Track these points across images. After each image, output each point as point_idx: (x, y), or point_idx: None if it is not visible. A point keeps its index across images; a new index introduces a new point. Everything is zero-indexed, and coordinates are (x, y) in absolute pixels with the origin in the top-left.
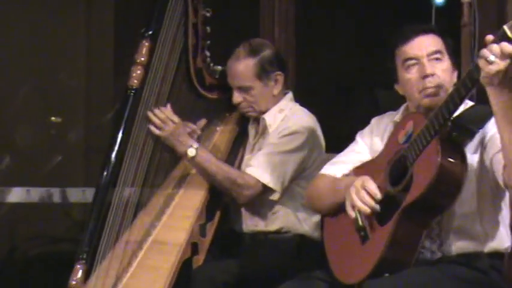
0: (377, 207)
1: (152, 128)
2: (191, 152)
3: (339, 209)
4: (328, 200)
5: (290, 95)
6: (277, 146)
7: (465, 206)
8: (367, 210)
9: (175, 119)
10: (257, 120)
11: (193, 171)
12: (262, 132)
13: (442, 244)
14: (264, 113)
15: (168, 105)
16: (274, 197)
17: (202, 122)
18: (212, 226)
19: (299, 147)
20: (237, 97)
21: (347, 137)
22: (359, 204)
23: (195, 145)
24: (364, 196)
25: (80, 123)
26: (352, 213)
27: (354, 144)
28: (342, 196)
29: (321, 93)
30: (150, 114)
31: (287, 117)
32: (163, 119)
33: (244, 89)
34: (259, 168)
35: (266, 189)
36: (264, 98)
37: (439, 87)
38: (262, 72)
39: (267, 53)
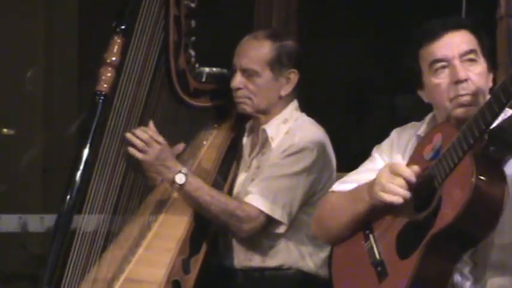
0: (408, 194)
1: (134, 151)
2: (180, 178)
3: (352, 235)
4: (345, 215)
5: (295, 103)
6: (282, 167)
7: (505, 236)
8: (406, 194)
9: (161, 139)
10: (254, 131)
11: (175, 194)
12: (262, 146)
13: (477, 282)
14: (260, 112)
15: (151, 124)
16: (280, 230)
17: (180, 146)
18: (197, 261)
19: (308, 167)
20: (237, 81)
21: (361, 154)
22: (392, 187)
23: (184, 170)
24: (398, 183)
25: (37, 137)
26: (388, 198)
27: (369, 161)
28: (365, 202)
29: (328, 101)
30: (130, 135)
31: (292, 130)
32: (147, 140)
33: (249, 74)
34: (261, 196)
35: (270, 221)
36: (268, 93)
37: (474, 95)
38: (277, 63)
39: (289, 43)
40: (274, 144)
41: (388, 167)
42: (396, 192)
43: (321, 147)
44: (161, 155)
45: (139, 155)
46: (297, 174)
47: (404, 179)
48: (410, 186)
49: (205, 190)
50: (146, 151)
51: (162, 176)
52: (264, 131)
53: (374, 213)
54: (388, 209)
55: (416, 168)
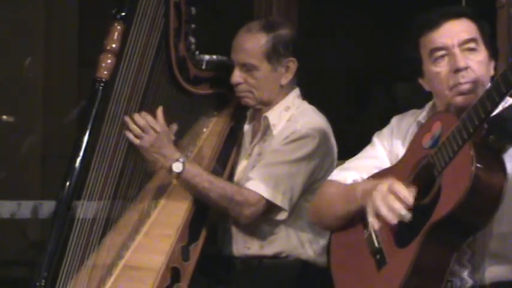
0: (408, 215)
1: (130, 136)
2: (177, 167)
3: (351, 223)
4: (339, 208)
5: (297, 91)
6: (284, 153)
7: (503, 225)
8: (394, 219)
9: (158, 127)
10: (255, 118)
11: (175, 181)
12: (264, 133)
13: (475, 270)
14: (263, 103)
15: (159, 110)
16: (281, 216)
17: (173, 127)
18: (196, 248)
19: (309, 154)
20: (237, 76)
21: (361, 141)
22: (385, 211)
23: (182, 158)
24: (393, 202)
25: (37, 123)
26: (375, 224)
27: (369, 148)
28: (357, 205)
29: (328, 90)
30: (127, 119)
31: (294, 118)
32: (143, 126)
33: (247, 68)
34: (261, 181)
35: (271, 207)
36: (268, 84)
37: (474, 83)
38: (273, 54)
39: (284, 32)
40: (276, 131)
41: (387, 184)
42: (393, 211)
43: (323, 135)
44: (157, 142)
45: (135, 141)
46: (299, 161)
47: (399, 199)
48: (408, 207)
49: (204, 177)
50: (142, 137)
51: (159, 163)
52: (266, 118)
53: None
54: None
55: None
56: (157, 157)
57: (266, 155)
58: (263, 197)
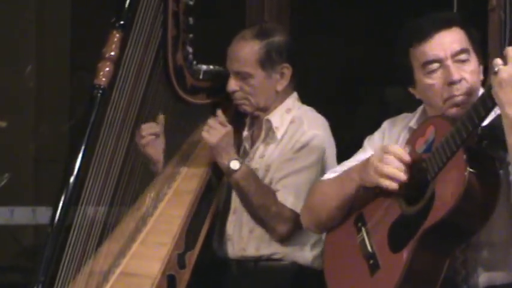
0: (404, 177)
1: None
2: (234, 164)
3: (344, 227)
4: (335, 199)
5: (295, 95)
6: (298, 161)
7: (494, 236)
8: (401, 176)
9: (227, 124)
10: (254, 124)
11: (171, 189)
12: (266, 135)
13: (469, 275)
14: (261, 109)
15: (219, 112)
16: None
17: (160, 118)
18: (192, 256)
19: (321, 155)
20: (232, 84)
21: (353, 144)
22: (387, 169)
23: (240, 159)
24: (393, 160)
25: (29, 129)
26: (383, 182)
27: (361, 152)
28: (354, 184)
29: (320, 93)
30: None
31: (298, 120)
32: (214, 124)
33: (242, 76)
34: (285, 193)
35: (297, 217)
36: (264, 91)
37: (468, 94)
38: (267, 61)
39: (277, 39)
40: (279, 134)
41: (381, 148)
42: (392, 175)
43: (327, 134)
44: (224, 138)
45: (205, 135)
46: (314, 164)
47: (397, 158)
48: (405, 169)
49: (251, 181)
50: (212, 133)
51: (219, 159)
52: (269, 121)
53: (366, 203)
54: (381, 200)
55: (408, 149)
56: (221, 152)
57: (282, 166)
58: (289, 208)
